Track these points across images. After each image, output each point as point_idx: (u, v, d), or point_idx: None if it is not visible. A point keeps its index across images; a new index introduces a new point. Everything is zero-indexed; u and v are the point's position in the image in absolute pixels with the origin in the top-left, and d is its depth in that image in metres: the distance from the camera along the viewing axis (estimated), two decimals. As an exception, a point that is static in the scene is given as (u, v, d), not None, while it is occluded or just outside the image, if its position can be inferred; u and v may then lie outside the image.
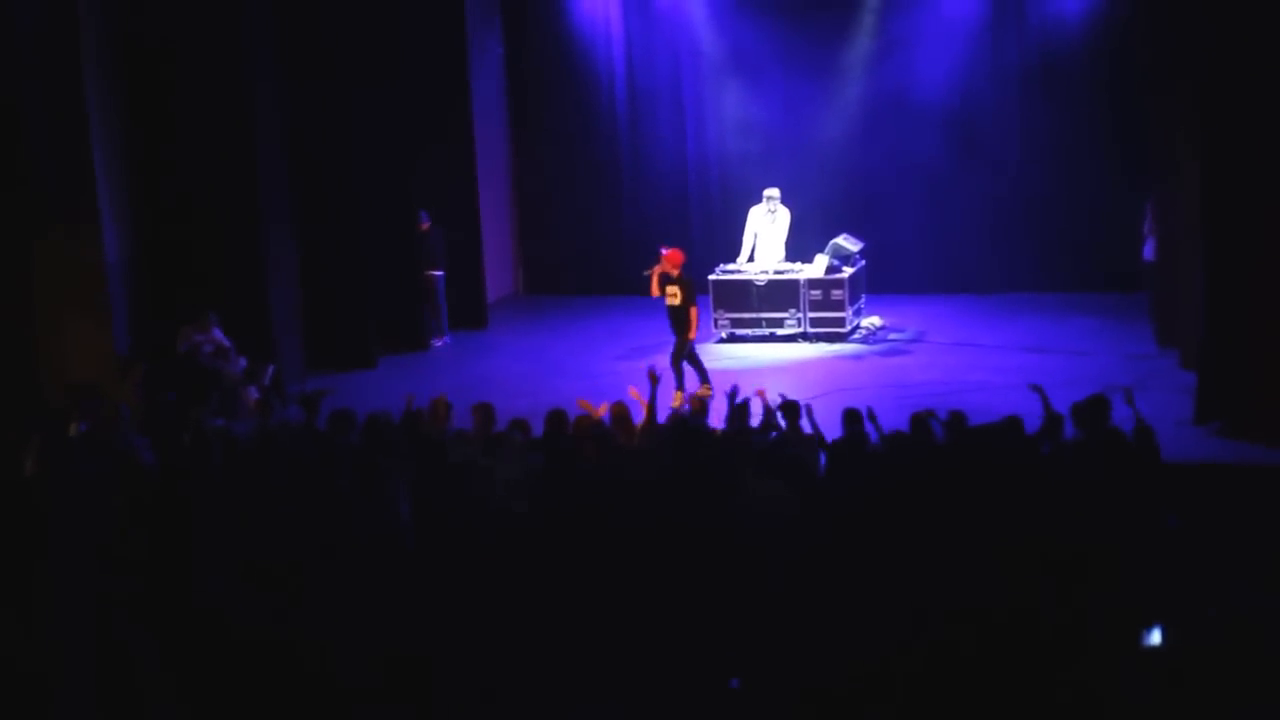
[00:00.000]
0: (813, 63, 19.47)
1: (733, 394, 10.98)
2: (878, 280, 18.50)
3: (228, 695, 7.57)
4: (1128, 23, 17.94)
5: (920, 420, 10.17)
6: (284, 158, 15.89)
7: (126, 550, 9.08)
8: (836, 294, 17.28)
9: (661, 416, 11.60)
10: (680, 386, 14.52)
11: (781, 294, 17.40)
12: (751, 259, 17.84)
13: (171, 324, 14.74)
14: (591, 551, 8.93)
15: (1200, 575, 8.57)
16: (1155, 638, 7.60)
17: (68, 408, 11.28)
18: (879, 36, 19.32)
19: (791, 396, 10.97)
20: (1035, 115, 18.96)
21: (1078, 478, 9.65)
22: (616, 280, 19.78)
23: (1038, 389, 10.46)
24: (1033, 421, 10.27)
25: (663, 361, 14.36)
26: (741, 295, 17.52)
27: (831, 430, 10.61)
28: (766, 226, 17.83)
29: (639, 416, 11.11)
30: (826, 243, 17.63)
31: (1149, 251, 16.40)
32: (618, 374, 14.62)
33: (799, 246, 17.90)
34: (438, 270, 18.00)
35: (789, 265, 17.68)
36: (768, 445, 10.46)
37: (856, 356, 16.73)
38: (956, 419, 10.20)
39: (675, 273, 14.90)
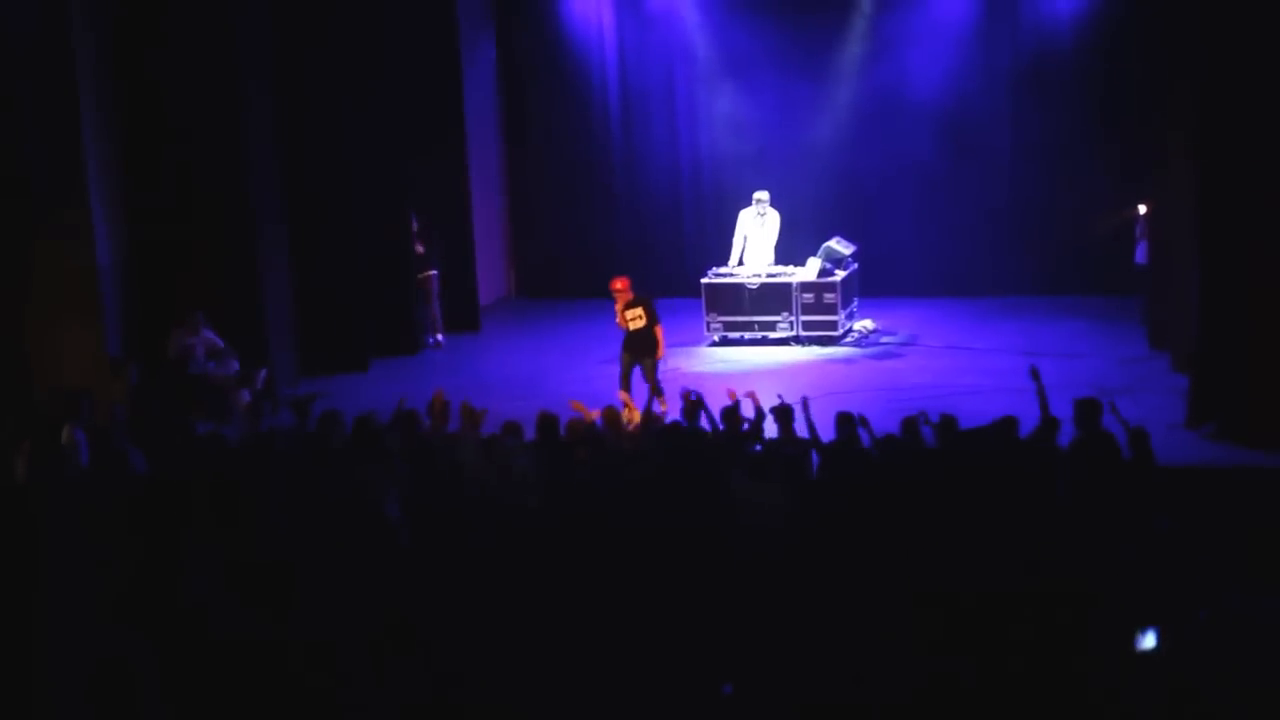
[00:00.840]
0: (805, 66, 19.48)
1: (697, 399, 10.88)
2: (870, 283, 18.50)
3: (218, 697, 7.55)
4: (1121, 26, 17.97)
5: (911, 424, 10.18)
6: (277, 161, 15.89)
7: (117, 552, 9.07)
8: (829, 297, 17.28)
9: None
10: (658, 395, 14.18)
11: (774, 297, 17.40)
12: (741, 262, 17.84)
13: (164, 327, 14.73)
14: (585, 554, 8.93)
15: (1192, 578, 8.58)
16: (1149, 641, 7.60)
17: (59, 412, 11.25)
18: (872, 40, 19.33)
19: (784, 400, 10.96)
20: (1028, 118, 18.96)
21: (1071, 479, 9.67)
22: (609, 283, 19.73)
23: (1035, 376, 10.44)
24: (1025, 426, 10.27)
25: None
26: (733, 298, 17.52)
27: (825, 432, 10.60)
28: (756, 229, 17.82)
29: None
30: (819, 246, 17.63)
31: (1141, 255, 16.42)
32: (610, 377, 14.60)
33: (791, 250, 17.90)
34: (433, 270, 18.02)
35: (781, 268, 17.68)
36: (761, 450, 10.47)
37: (849, 360, 16.74)
38: (947, 422, 10.20)
39: (630, 295, 14.40)
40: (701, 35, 19.94)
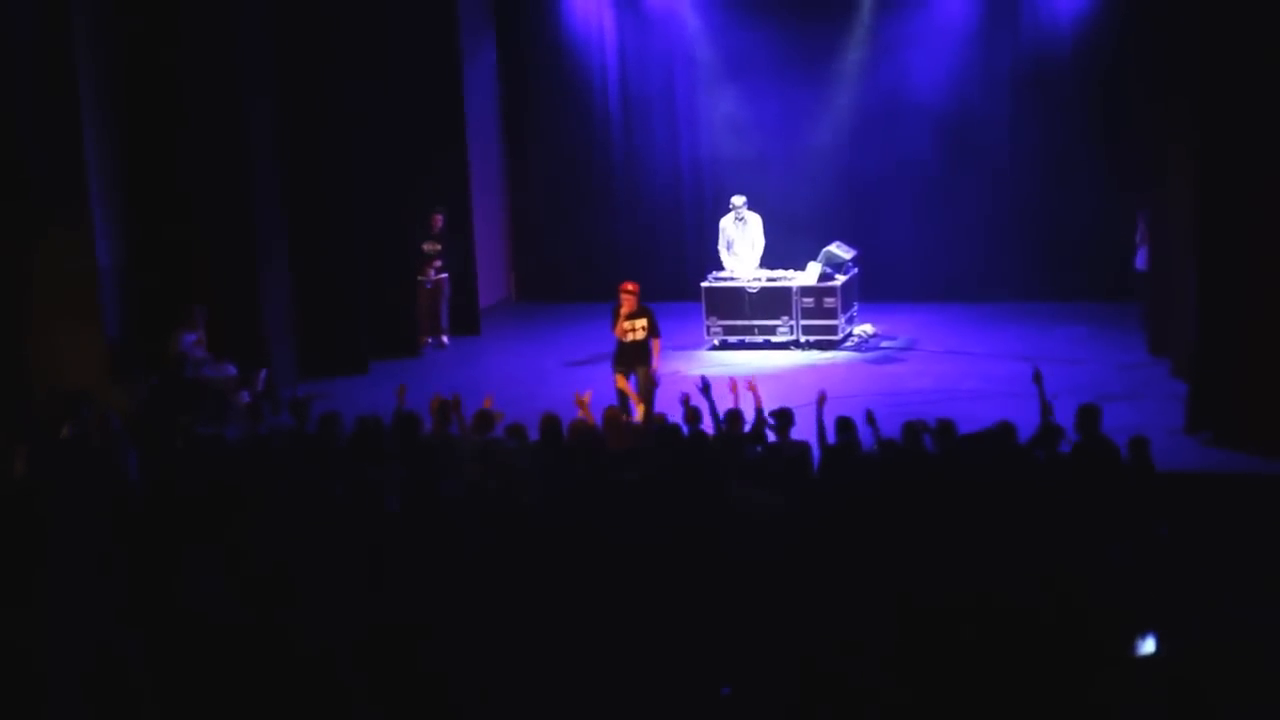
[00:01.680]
0: (806, 69, 19.48)
1: (704, 387, 11.02)
2: (870, 288, 18.50)
3: (217, 697, 7.55)
4: (1121, 31, 17.95)
5: (911, 429, 10.18)
6: (278, 163, 15.90)
7: (116, 553, 9.07)
8: (829, 301, 17.29)
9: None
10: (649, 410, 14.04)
11: (774, 301, 17.41)
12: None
13: (164, 328, 14.73)
14: (585, 555, 8.92)
15: (1191, 585, 8.58)
16: (1148, 647, 7.60)
17: (59, 412, 11.26)
18: (872, 43, 19.35)
19: (784, 404, 10.97)
20: (1028, 123, 18.96)
21: (1069, 484, 9.67)
22: (610, 287, 19.59)
23: (1038, 380, 10.45)
24: (1024, 431, 10.27)
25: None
26: (734, 302, 17.53)
27: (828, 435, 10.61)
28: (738, 235, 17.82)
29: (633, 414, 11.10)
30: (819, 250, 17.64)
31: (1141, 261, 16.43)
32: (610, 380, 14.59)
33: (791, 254, 17.90)
34: (444, 272, 18.04)
35: (781, 273, 17.69)
36: (760, 455, 10.48)
37: (849, 364, 16.75)
38: (945, 427, 10.20)
39: (637, 304, 13.95)
40: (702, 38, 19.95)
